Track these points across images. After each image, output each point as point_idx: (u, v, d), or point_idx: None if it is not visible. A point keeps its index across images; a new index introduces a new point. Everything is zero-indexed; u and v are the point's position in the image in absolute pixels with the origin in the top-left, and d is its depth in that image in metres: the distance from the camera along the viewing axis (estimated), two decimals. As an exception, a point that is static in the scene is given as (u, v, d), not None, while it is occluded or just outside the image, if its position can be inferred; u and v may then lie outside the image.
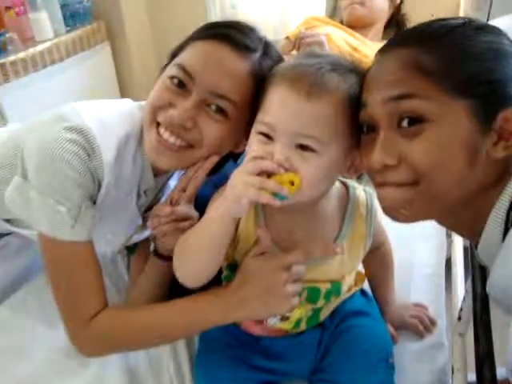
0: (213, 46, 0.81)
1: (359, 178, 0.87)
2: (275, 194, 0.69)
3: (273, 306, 0.76)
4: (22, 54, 1.72)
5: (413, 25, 0.70)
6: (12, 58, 1.68)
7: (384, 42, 1.85)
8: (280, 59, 0.87)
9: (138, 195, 0.93)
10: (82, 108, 0.84)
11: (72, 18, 2.00)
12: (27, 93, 1.77)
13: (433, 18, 0.68)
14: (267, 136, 0.73)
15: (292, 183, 0.70)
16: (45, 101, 1.83)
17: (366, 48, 1.70)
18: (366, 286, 1.01)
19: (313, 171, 0.71)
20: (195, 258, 0.78)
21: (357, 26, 1.83)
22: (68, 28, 1.97)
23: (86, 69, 2.06)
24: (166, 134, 0.81)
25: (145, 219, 0.97)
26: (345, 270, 0.87)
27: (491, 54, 0.62)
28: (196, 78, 0.79)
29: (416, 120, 0.62)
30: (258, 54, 0.83)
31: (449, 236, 1.43)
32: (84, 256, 0.82)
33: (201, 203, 0.87)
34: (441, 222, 0.74)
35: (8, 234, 1.12)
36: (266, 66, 0.83)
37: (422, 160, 0.62)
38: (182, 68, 0.80)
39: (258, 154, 0.72)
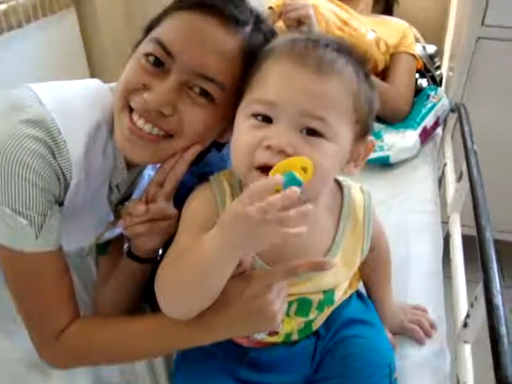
0: (197, 17, 0.68)
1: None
2: (286, 184, 0.54)
3: (260, 326, 0.69)
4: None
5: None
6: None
7: (374, 17, 1.75)
8: (272, 34, 0.76)
9: (110, 189, 0.80)
10: (42, 92, 0.70)
11: (32, -22, 1.80)
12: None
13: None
14: (265, 118, 0.63)
15: (304, 170, 0.57)
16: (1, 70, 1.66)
17: (356, 22, 1.58)
18: (360, 286, 0.92)
19: (323, 160, 0.61)
20: (191, 297, 0.64)
21: (345, -4, 1.70)
22: (28, -10, 1.78)
23: (48, 37, 1.86)
24: (139, 122, 0.69)
25: (117, 214, 0.84)
26: (339, 279, 0.78)
27: None
28: (176, 56, 0.67)
29: None
30: (248, 28, 0.71)
31: (445, 222, 1.36)
32: (51, 267, 0.70)
33: (179, 193, 0.76)
34: None
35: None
36: (258, 41, 0.71)
37: None
38: (160, 43, 0.68)
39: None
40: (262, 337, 0.77)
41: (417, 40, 1.72)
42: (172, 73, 0.67)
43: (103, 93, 0.77)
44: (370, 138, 0.69)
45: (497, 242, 0.96)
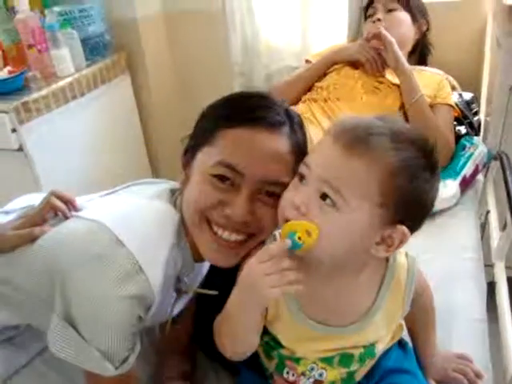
0: (250, 132, 0.78)
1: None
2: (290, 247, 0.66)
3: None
4: (44, 91, 1.70)
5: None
6: (35, 95, 1.67)
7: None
8: (299, 117, 0.86)
9: (178, 279, 0.89)
10: (125, 237, 0.77)
11: (91, 51, 1.99)
12: (49, 130, 1.75)
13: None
14: (302, 177, 0.72)
15: (309, 233, 0.66)
16: (67, 137, 1.84)
17: (392, 77, 1.66)
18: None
19: (328, 227, 0.67)
20: (235, 340, 0.77)
21: (380, 52, 1.78)
22: (88, 62, 1.96)
23: (107, 101, 2.06)
24: (225, 234, 0.79)
25: (178, 292, 0.92)
26: (379, 335, 0.82)
27: None
28: (244, 172, 0.77)
29: None
30: (287, 127, 0.81)
31: (489, 265, 1.36)
32: (126, 380, 0.80)
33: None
34: None
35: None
36: (298, 133, 0.82)
37: None
38: (229, 166, 0.77)
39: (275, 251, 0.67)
40: (307, 385, 0.82)
41: (453, 88, 1.74)
42: (243, 186, 0.77)
43: (171, 214, 0.84)
44: (403, 228, 0.69)
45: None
